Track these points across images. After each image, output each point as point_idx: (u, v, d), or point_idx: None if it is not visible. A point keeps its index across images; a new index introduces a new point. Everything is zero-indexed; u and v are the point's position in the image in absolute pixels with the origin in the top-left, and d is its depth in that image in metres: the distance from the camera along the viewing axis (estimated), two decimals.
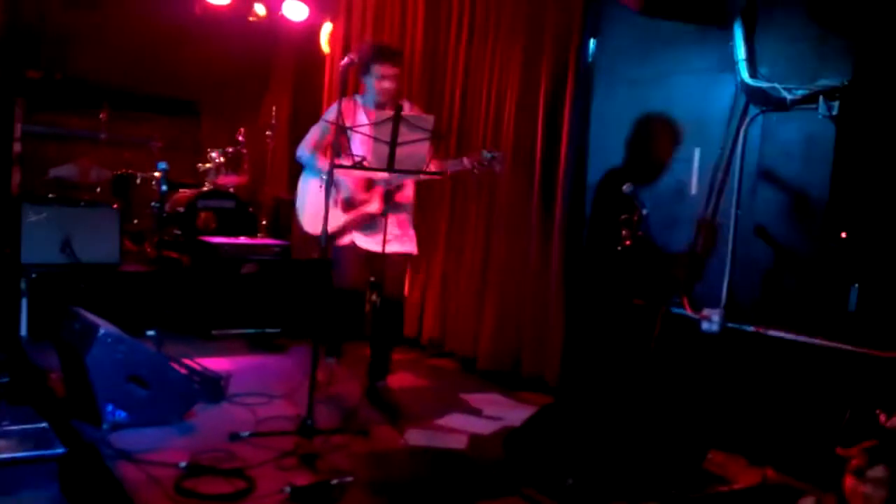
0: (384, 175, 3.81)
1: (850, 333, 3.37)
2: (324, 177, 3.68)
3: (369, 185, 4.03)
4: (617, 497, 3.06)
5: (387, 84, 3.94)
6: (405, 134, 3.51)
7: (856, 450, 2.61)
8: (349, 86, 6.20)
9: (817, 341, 3.51)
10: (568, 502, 2.98)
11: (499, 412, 4.21)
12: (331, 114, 3.99)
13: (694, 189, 4.15)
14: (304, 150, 4.16)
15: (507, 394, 4.60)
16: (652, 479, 3.18)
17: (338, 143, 3.64)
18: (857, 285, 3.33)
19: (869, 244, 3.17)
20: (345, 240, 4.14)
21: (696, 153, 4.16)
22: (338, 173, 3.81)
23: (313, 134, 4.16)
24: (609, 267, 4.53)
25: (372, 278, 4.26)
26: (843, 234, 3.11)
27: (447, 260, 5.44)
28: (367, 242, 4.11)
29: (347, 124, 3.90)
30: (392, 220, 4.03)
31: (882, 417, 2.68)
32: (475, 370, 5.03)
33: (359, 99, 4.15)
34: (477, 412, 4.22)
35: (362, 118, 4.05)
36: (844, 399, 3.24)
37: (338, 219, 4.05)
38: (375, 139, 3.55)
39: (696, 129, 4.18)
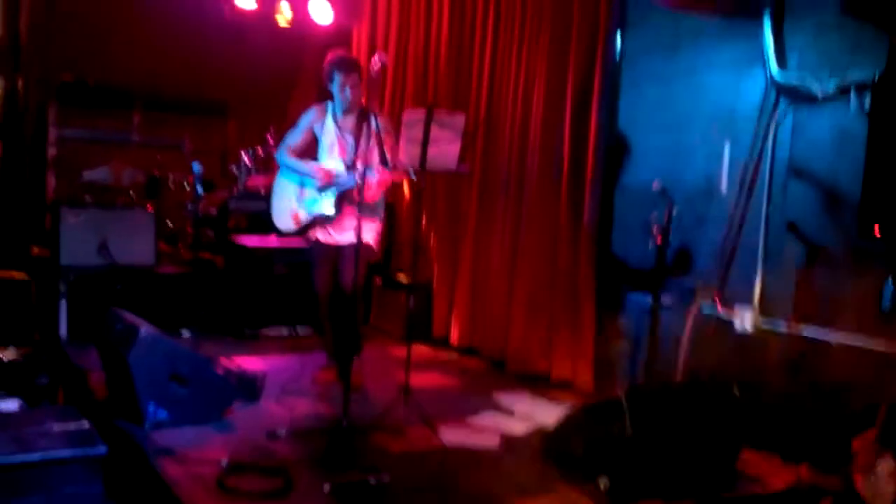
0: (343, 180, 4.15)
1: (885, 331, 3.35)
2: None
3: (325, 188, 4.27)
4: (651, 496, 3.07)
5: (348, 93, 4.20)
6: (437, 134, 3.56)
7: (859, 443, 2.58)
8: (387, 85, 6.29)
9: (850, 340, 3.49)
10: (602, 501, 3.00)
11: (530, 412, 4.24)
12: (302, 119, 4.40)
13: (724, 185, 4.13)
14: (280, 154, 4.46)
15: (538, 393, 4.62)
16: (686, 479, 3.19)
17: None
18: (891, 282, 3.30)
19: None
20: (312, 235, 4.42)
21: (726, 149, 4.15)
22: (306, 170, 4.29)
23: (288, 137, 4.44)
24: (638, 265, 4.53)
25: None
26: (877, 230, 3.09)
27: (475, 259, 5.46)
28: (324, 236, 4.37)
29: (316, 129, 4.36)
30: (350, 218, 4.17)
31: None
32: (506, 370, 5.05)
33: (329, 105, 4.38)
34: (509, 411, 4.25)
35: (329, 123, 4.34)
36: (878, 397, 3.22)
37: (302, 217, 4.37)
38: (407, 140, 3.59)
39: (725, 125, 4.16)
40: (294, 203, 4.37)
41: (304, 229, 4.39)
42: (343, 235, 4.25)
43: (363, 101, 4.21)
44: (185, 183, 6.40)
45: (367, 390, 4.28)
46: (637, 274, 4.53)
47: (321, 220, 4.29)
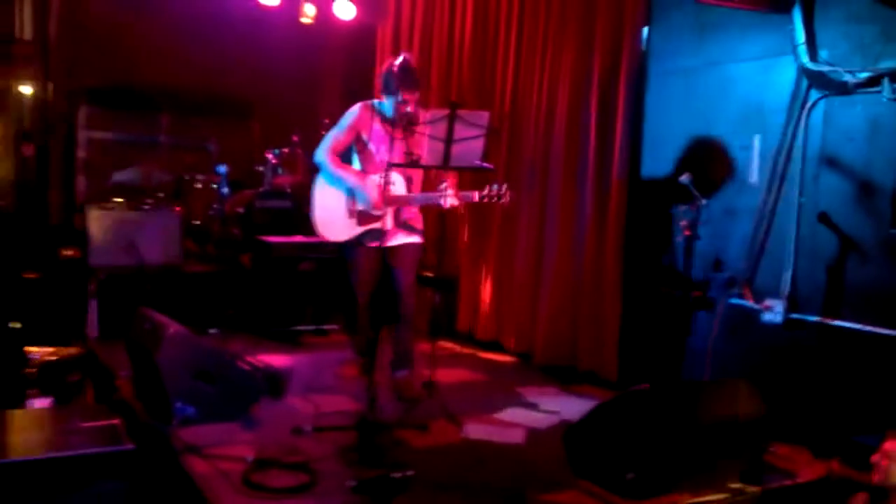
0: (402, 192, 3.99)
1: None
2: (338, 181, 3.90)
3: (389, 201, 3.97)
4: (678, 490, 3.03)
5: (407, 108, 3.93)
6: (460, 131, 3.54)
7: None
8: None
9: (884, 331, 3.41)
10: (628, 495, 2.97)
11: (556, 406, 4.21)
12: (348, 119, 4.12)
13: (755, 177, 4.07)
14: (323, 155, 4.14)
15: (564, 388, 4.59)
16: (713, 472, 3.14)
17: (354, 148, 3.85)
18: None
19: None
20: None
21: (756, 141, 4.08)
22: (357, 183, 4.03)
23: (331, 138, 4.15)
24: (666, 259, 4.48)
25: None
26: None
27: (501, 254, 5.45)
28: (370, 240, 4.11)
29: (363, 130, 4.08)
30: (400, 227, 4.12)
31: None
32: (531, 364, 5.03)
33: (376, 105, 4.14)
34: (534, 406, 4.22)
35: (377, 126, 4.08)
36: None
37: (351, 229, 4.10)
38: (431, 137, 3.58)
39: (754, 117, 4.10)
40: (343, 213, 4.10)
41: (355, 241, 4.15)
42: (393, 240, 4.11)
43: (414, 113, 3.94)
44: (212, 183, 6.46)
45: (393, 386, 4.26)
46: (665, 267, 4.48)
47: (375, 234, 4.04)
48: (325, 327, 5.71)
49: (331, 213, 4.12)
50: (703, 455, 3.14)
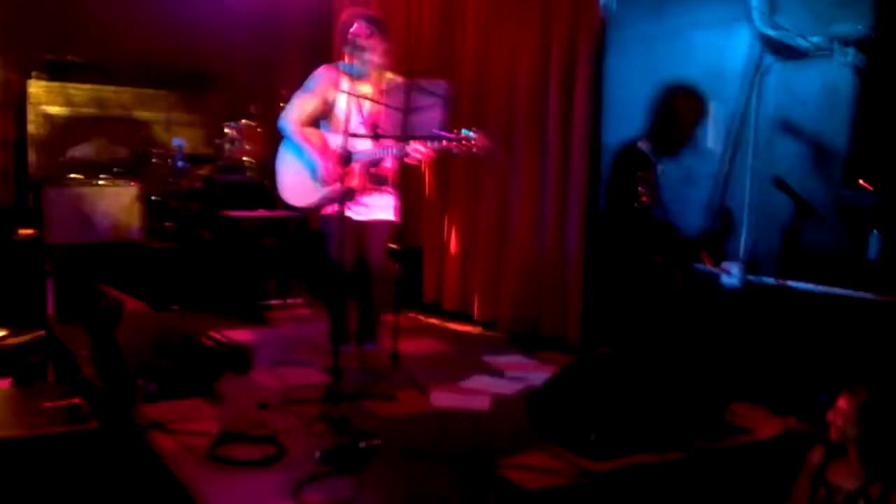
0: (365, 148, 3.82)
1: (871, 281, 3.36)
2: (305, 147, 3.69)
3: (347, 160, 3.81)
4: (640, 450, 3.10)
5: (376, 58, 3.87)
6: (418, 100, 3.51)
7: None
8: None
9: (838, 290, 3.50)
10: (592, 456, 3.03)
11: (521, 373, 4.25)
12: (315, 82, 3.99)
13: (710, 142, 4.12)
14: (286, 122, 4.04)
15: (529, 355, 4.64)
16: (675, 432, 3.22)
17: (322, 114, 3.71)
18: (876, 233, 3.31)
19: (890, 191, 3.14)
20: (329, 210, 4.08)
21: (713, 107, 4.13)
22: (314, 147, 3.91)
23: (297, 104, 4.04)
24: (627, 225, 4.52)
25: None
26: (862, 182, 3.08)
27: (465, 223, 5.46)
28: (351, 213, 4.03)
29: (329, 94, 3.96)
30: (373, 192, 4.03)
31: None
32: (497, 333, 5.07)
33: (343, 66, 4.01)
34: (499, 374, 4.27)
35: (344, 89, 3.91)
36: (866, 347, 3.24)
37: (317, 192, 4.01)
38: (388, 107, 3.55)
39: (714, 82, 4.12)
40: (308, 177, 4.01)
41: (321, 205, 4.07)
42: (366, 211, 4.06)
43: (383, 64, 3.87)
44: (168, 157, 6.35)
45: (359, 358, 4.27)
46: (627, 234, 4.52)
47: (344, 196, 3.85)
48: (290, 301, 5.69)
49: (295, 178, 4.04)
50: (664, 415, 3.21)
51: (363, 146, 3.86)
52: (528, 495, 2.80)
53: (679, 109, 4.18)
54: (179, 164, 6.17)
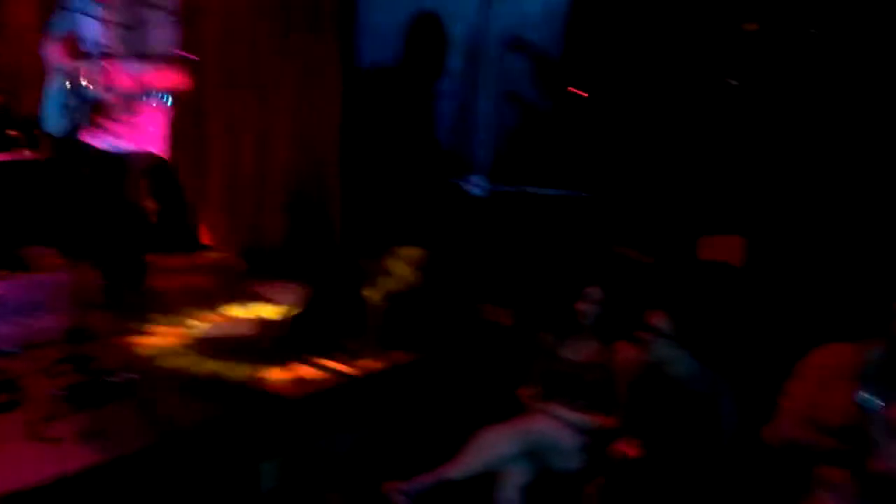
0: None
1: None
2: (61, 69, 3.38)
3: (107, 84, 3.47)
4: (402, 349, 3.31)
5: None
6: (146, 15, 3.31)
7: None
8: None
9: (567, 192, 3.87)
10: (345, 361, 3.19)
11: (288, 299, 4.28)
12: None
13: (451, 61, 4.31)
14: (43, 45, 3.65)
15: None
16: (434, 332, 3.46)
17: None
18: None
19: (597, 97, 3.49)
20: (98, 143, 3.71)
21: (452, 27, 4.30)
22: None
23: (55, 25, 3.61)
24: (383, 145, 4.64)
25: None
26: (571, 89, 3.40)
27: (225, 157, 5.29)
28: (102, 142, 3.67)
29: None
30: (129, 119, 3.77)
31: None
32: (260, 260, 5.01)
33: None
34: (266, 300, 4.27)
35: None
36: (589, 241, 3.63)
37: (80, 118, 3.60)
38: (116, 24, 3.31)
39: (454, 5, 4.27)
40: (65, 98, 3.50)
41: (75, 129, 3.58)
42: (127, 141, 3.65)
43: None
44: None
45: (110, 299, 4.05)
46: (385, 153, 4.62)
47: (94, 114, 3.47)
48: (40, 249, 5.25)
49: (54, 101, 3.58)
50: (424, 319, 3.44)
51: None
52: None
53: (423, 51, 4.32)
54: None
